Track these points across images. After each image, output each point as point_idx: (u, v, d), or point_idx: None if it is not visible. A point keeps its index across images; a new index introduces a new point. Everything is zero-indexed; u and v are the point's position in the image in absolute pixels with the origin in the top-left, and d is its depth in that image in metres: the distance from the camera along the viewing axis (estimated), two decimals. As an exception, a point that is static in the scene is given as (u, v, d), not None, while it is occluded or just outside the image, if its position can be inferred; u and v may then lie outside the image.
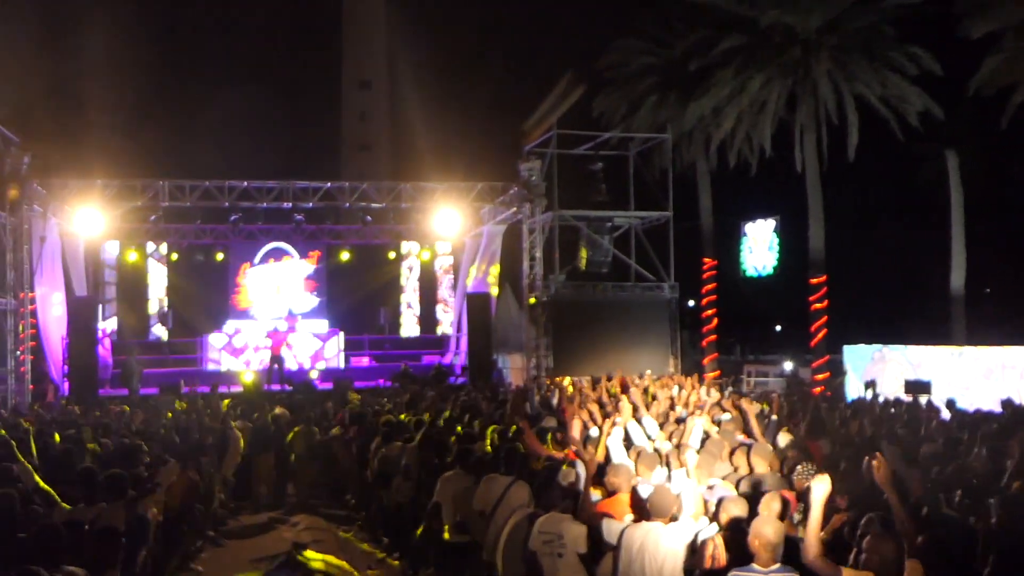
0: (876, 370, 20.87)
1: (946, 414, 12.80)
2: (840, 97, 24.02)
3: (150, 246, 28.43)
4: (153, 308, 28.76)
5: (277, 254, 28.57)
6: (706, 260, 28.25)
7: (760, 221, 27.09)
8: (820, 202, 25.08)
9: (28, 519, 6.81)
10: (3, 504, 6.78)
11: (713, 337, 28.09)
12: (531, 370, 22.96)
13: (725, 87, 24.27)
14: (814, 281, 25.01)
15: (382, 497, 11.64)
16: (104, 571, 6.00)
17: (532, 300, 23.06)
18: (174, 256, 28.57)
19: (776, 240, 26.55)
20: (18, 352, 20.48)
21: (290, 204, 23.19)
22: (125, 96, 27.60)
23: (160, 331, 28.81)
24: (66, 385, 21.97)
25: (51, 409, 17.16)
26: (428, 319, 30.79)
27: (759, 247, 26.95)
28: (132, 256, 28.15)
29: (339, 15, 46.58)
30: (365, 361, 27.90)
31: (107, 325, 26.26)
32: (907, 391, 17.06)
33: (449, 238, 28.30)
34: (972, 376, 18.44)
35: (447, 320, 30.31)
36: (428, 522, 9.53)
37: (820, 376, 24.29)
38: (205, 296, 28.11)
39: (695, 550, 6.00)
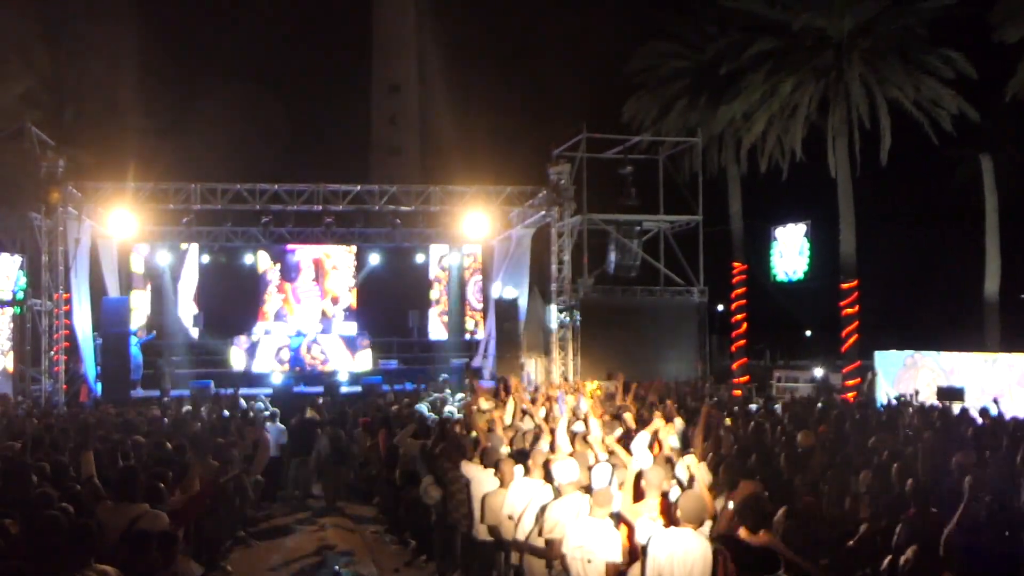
0: (908, 376, 20.68)
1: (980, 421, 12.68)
2: (873, 101, 23.81)
3: (182, 248, 28.64)
4: (184, 310, 28.97)
5: (308, 256, 28.71)
6: (736, 265, 28.09)
7: (791, 226, 26.90)
8: (852, 207, 24.87)
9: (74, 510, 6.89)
10: (41, 503, 6.86)
11: (742, 342, 27.92)
12: (559, 373, 22.91)
13: (756, 91, 24.14)
14: (845, 286, 24.80)
15: (408, 498, 11.67)
16: (138, 571, 6.04)
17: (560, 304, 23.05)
18: (205, 258, 28.77)
19: (807, 245, 26.35)
20: (52, 352, 20.73)
21: (320, 207, 23.30)
22: (158, 99, 27.86)
23: (191, 333, 29.01)
24: (99, 385, 22.19)
25: (84, 409, 17.35)
26: (456, 322, 30.80)
27: (790, 252, 26.76)
28: (164, 258, 28.38)
29: (369, 20, 46.84)
30: (393, 364, 27.96)
31: (139, 327, 26.48)
32: (939, 398, 16.91)
33: (478, 241, 28.32)
34: (1006, 383, 18.21)
35: (475, 323, 30.32)
36: (457, 523, 9.54)
37: (851, 382, 24.07)
38: (235, 298, 28.27)
39: None
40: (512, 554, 8.03)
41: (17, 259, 22.72)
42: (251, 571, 11.20)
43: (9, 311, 21.02)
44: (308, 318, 28.22)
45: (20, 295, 22.13)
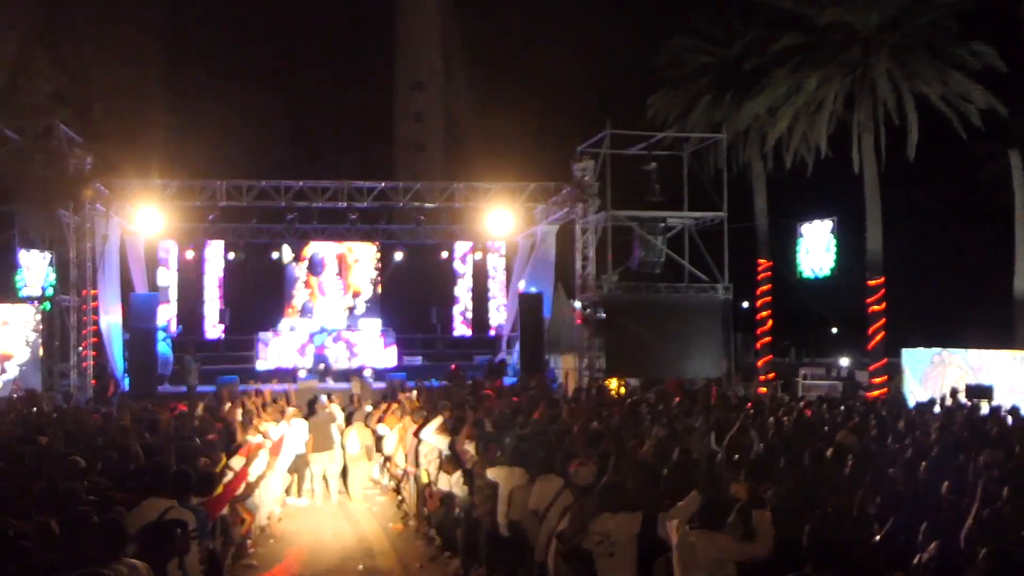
0: (935, 374, 20.50)
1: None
2: (900, 96, 23.59)
3: (207, 245, 28.85)
4: (210, 306, 29.17)
5: (333, 252, 28.83)
6: (761, 261, 27.94)
7: (816, 222, 26.69)
8: (878, 203, 24.67)
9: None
10: (71, 497, 6.95)
11: (768, 339, 27.78)
12: (583, 371, 22.91)
13: (781, 86, 23.99)
14: (872, 283, 24.61)
15: (432, 493, 11.70)
16: (166, 564, 6.10)
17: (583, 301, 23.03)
18: (231, 255, 28.95)
19: (833, 241, 26.13)
20: (80, 348, 20.94)
21: (345, 204, 23.40)
22: (184, 97, 28.04)
23: (216, 329, 29.21)
24: (126, 380, 22.39)
25: (111, 404, 17.50)
26: (480, 319, 30.84)
27: (815, 248, 26.55)
28: (190, 254, 28.60)
29: (393, 17, 46.91)
30: (417, 360, 28.04)
31: (165, 322, 26.70)
32: (968, 396, 16.76)
33: (502, 238, 28.36)
34: (1036, 381, 18.03)
35: (499, 320, 30.35)
36: (481, 519, 9.55)
37: (877, 379, 23.91)
38: (261, 294, 28.45)
39: None
40: (537, 549, 8.03)
41: (46, 256, 22.94)
42: (276, 564, 11.27)
43: (36, 306, 21.19)
44: (332, 313, 28.38)
45: (49, 291, 22.35)
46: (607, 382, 22.13)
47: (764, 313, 27.89)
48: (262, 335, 26.55)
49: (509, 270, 29.95)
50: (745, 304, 31.64)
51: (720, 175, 24.66)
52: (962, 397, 16.68)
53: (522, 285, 27.03)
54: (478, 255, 30.59)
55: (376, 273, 29.09)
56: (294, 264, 28.51)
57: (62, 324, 20.99)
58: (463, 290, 30.81)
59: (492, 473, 9.10)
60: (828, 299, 30.86)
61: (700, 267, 24.21)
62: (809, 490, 7.42)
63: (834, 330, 40.16)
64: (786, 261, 27.95)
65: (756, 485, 7.00)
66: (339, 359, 26.34)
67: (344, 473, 15.19)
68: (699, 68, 26.72)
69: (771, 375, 26.81)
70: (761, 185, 28.03)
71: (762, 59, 24.00)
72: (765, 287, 27.87)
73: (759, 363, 27.52)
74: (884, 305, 24.59)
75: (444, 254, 30.27)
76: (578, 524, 6.98)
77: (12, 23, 24.63)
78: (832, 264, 26.08)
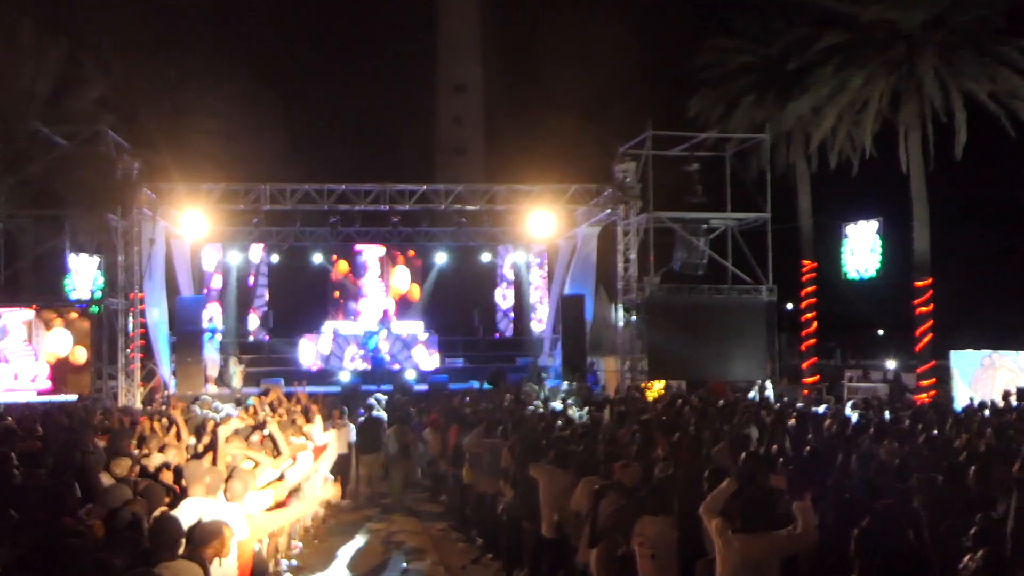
0: (985, 376, 20.15)
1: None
2: (947, 94, 23.23)
3: (251, 248, 29.18)
4: (254, 308, 29.49)
5: (375, 255, 29.01)
6: (805, 263, 27.65)
7: (862, 223, 26.34)
8: (925, 202, 24.32)
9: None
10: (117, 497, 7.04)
11: (812, 341, 27.48)
12: (625, 373, 22.81)
13: (825, 85, 23.73)
14: (919, 284, 24.26)
15: (474, 494, 11.72)
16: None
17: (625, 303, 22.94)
18: (275, 258, 29.26)
19: (879, 242, 25.78)
20: (128, 350, 21.24)
21: (387, 207, 23.51)
22: (227, 102, 28.32)
23: (260, 331, 29.52)
24: (173, 382, 22.68)
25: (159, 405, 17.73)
26: (522, 321, 30.85)
27: (861, 249, 26.20)
28: (234, 258, 28.94)
29: (434, 20, 47.11)
30: (459, 363, 28.11)
31: (211, 325, 27.01)
32: (1020, 399, 16.45)
33: (543, 240, 28.33)
34: (1088, 383, 17.64)
35: (541, 322, 30.33)
36: (523, 520, 9.55)
37: (925, 382, 23.55)
38: (304, 297, 28.72)
39: None
40: (579, 551, 8.01)
41: (95, 260, 23.30)
42: (319, 567, 11.35)
43: (80, 309, 21.51)
44: (375, 315, 28.55)
45: (98, 295, 22.71)
46: (649, 384, 22.02)
47: (809, 315, 27.60)
48: (307, 337, 26.76)
49: (551, 272, 29.92)
50: (789, 306, 31.31)
51: (763, 176, 24.43)
52: (1014, 400, 16.39)
53: (563, 286, 26.98)
54: (520, 257, 30.61)
55: (418, 276, 29.22)
56: (337, 267, 28.73)
57: (111, 327, 21.29)
58: (504, 292, 30.85)
59: (534, 471, 9.08)
60: (874, 300, 30.47)
61: (743, 268, 24.01)
62: (856, 495, 7.33)
63: (880, 332, 39.63)
64: (831, 262, 27.63)
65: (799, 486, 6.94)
66: (385, 360, 26.48)
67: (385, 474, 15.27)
68: (740, 68, 26.51)
69: (816, 377, 26.52)
70: (805, 185, 27.73)
71: (805, 58, 23.75)
72: (809, 288, 27.58)
73: (804, 365, 27.23)
74: (932, 307, 24.23)
75: (486, 256, 30.32)
76: (621, 525, 6.96)
77: (60, 30, 25.09)
78: (878, 265, 25.73)
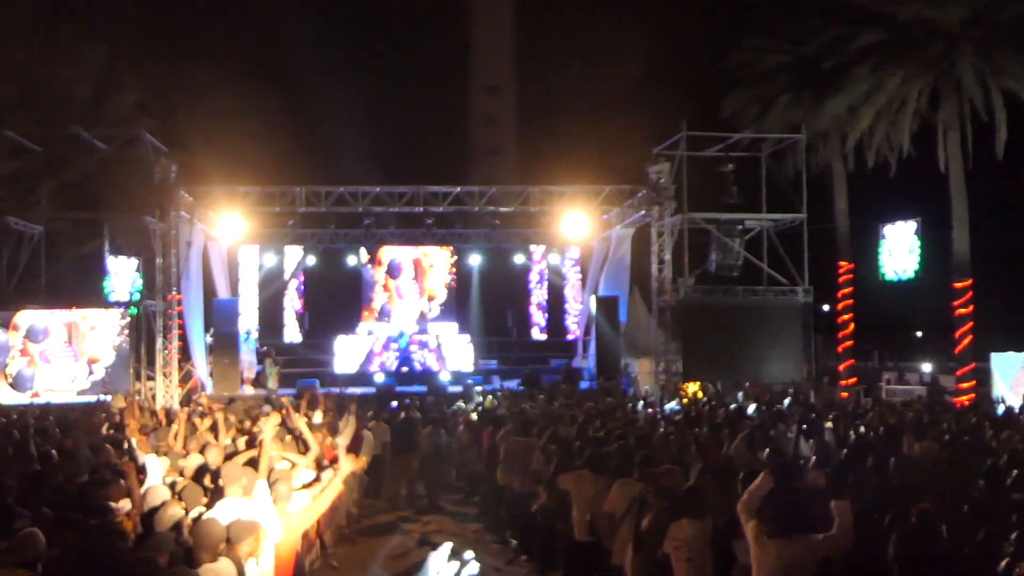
0: (1027, 378, 19.86)
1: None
2: (986, 92, 22.92)
3: (287, 250, 29.40)
4: (289, 310, 29.70)
5: (409, 256, 29.10)
6: (842, 264, 27.38)
7: (900, 223, 26.04)
8: (965, 202, 23.99)
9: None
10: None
11: (849, 343, 27.19)
12: (660, 374, 22.72)
13: (862, 85, 23.49)
14: (959, 285, 23.94)
15: (508, 496, 11.71)
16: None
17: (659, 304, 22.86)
18: (310, 259, 29.47)
19: (917, 243, 25.48)
20: (165, 351, 21.47)
21: (421, 208, 23.59)
22: (263, 105, 28.59)
23: (295, 333, 29.72)
24: (209, 383, 22.90)
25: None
26: (556, 322, 30.83)
27: (899, 250, 25.90)
28: (270, 260, 29.18)
29: (467, 22, 47.16)
30: (493, 364, 28.12)
31: (247, 326, 27.23)
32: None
33: (577, 241, 28.30)
34: None
35: (575, 324, 30.28)
36: (557, 522, 9.53)
37: (965, 384, 23.23)
38: (339, 298, 28.88)
39: None
40: (614, 553, 7.98)
41: (133, 262, 23.57)
42: (355, 567, 11.40)
43: (118, 311, 21.76)
44: (409, 316, 28.65)
45: (136, 296, 22.97)
46: (684, 386, 21.92)
47: (845, 316, 27.32)
48: (342, 339, 26.91)
49: (585, 274, 29.88)
50: (826, 307, 31.02)
51: (799, 176, 24.26)
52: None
53: (598, 287, 26.93)
54: (553, 259, 30.59)
55: (451, 277, 29.29)
56: (372, 268, 28.87)
57: (148, 328, 21.53)
58: (538, 294, 30.85)
59: (564, 482, 9.06)
60: (912, 302, 30.12)
61: (779, 270, 23.84)
62: (891, 497, 7.25)
63: (919, 334, 39.14)
64: (868, 263, 27.35)
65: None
66: (419, 362, 26.56)
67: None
68: (776, 68, 26.29)
69: (853, 379, 26.23)
70: (842, 186, 27.45)
71: (841, 57, 23.53)
72: (846, 290, 27.30)
73: (840, 367, 26.95)
74: (971, 308, 23.89)
75: (519, 258, 30.33)
76: (660, 529, 6.93)
77: (99, 36, 25.45)
78: (916, 266, 25.43)
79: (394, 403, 18.29)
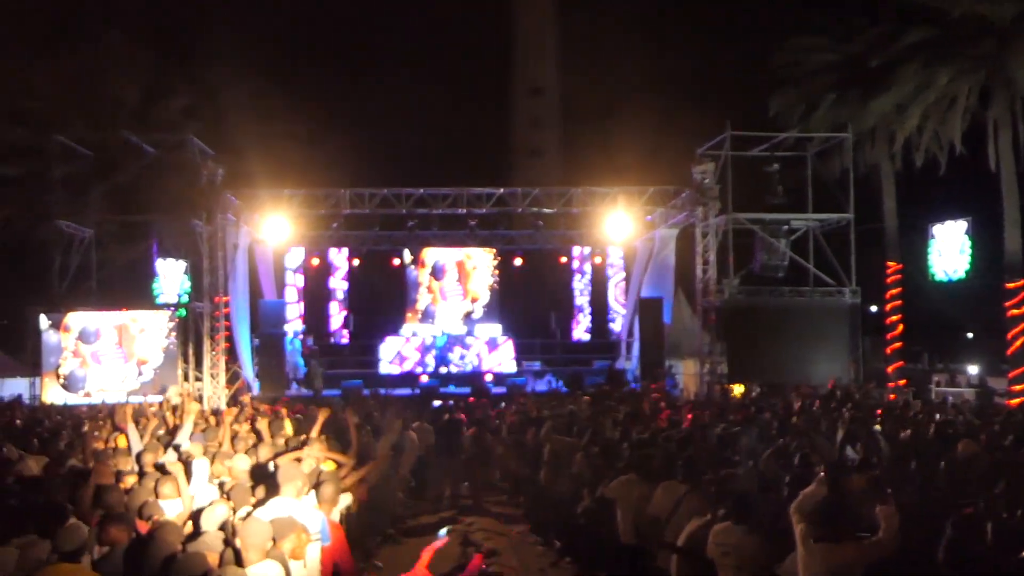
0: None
1: None
2: (1040, 89, 22.51)
3: (332, 252, 29.65)
4: (334, 312, 29.93)
5: (453, 258, 29.20)
6: (890, 264, 27.01)
7: (950, 223, 25.63)
8: (1016, 201, 23.55)
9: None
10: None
11: (898, 344, 26.82)
12: (704, 376, 22.57)
13: (910, 82, 23.16)
14: (1011, 286, 23.50)
15: (552, 497, 11.69)
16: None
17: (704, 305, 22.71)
18: (355, 261, 29.69)
19: (968, 243, 25.05)
20: (213, 353, 21.74)
21: (464, 210, 23.64)
22: (307, 108, 28.91)
23: (340, 334, 29.95)
24: (256, 384, 23.15)
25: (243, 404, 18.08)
26: (600, 324, 30.75)
27: (949, 250, 25.50)
28: (315, 261, 29.44)
29: (510, 23, 47.22)
30: (536, 366, 28.12)
31: (293, 328, 27.50)
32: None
33: (621, 242, 28.20)
34: None
35: (619, 325, 30.18)
36: (602, 525, 9.49)
37: (1017, 387, 22.79)
38: (383, 300, 29.05)
39: None
40: (659, 556, 7.94)
41: (181, 264, 23.90)
42: (400, 568, 11.43)
43: (166, 313, 22.07)
44: (453, 318, 28.74)
45: (184, 298, 23.29)
46: (729, 387, 21.77)
47: (894, 317, 26.94)
48: (386, 340, 27.07)
49: (628, 275, 29.77)
50: (874, 308, 30.60)
51: (846, 175, 23.96)
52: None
53: (641, 289, 26.82)
54: (597, 260, 30.52)
55: (494, 279, 29.33)
56: (415, 269, 29.00)
57: (196, 330, 21.82)
58: (582, 295, 30.78)
59: (609, 491, 9.03)
60: (963, 303, 29.62)
61: (826, 270, 23.56)
62: (939, 499, 7.15)
63: (969, 335, 38.48)
64: (917, 263, 26.97)
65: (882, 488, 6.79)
66: (461, 363, 26.65)
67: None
68: (821, 66, 25.99)
69: (902, 381, 25.86)
70: (890, 185, 27.08)
71: (889, 55, 23.21)
72: (895, 291, 26.93)
73: (889, 369, 26.58)
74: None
75: (563, 259, 30.30)
76: (704, 532, 6.89)
77: (147, 42, 25.86)
78: (967, 266, 25.02)
79: (435, 403, 18.40)
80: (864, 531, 5.82)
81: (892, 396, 22.91)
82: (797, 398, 17.89)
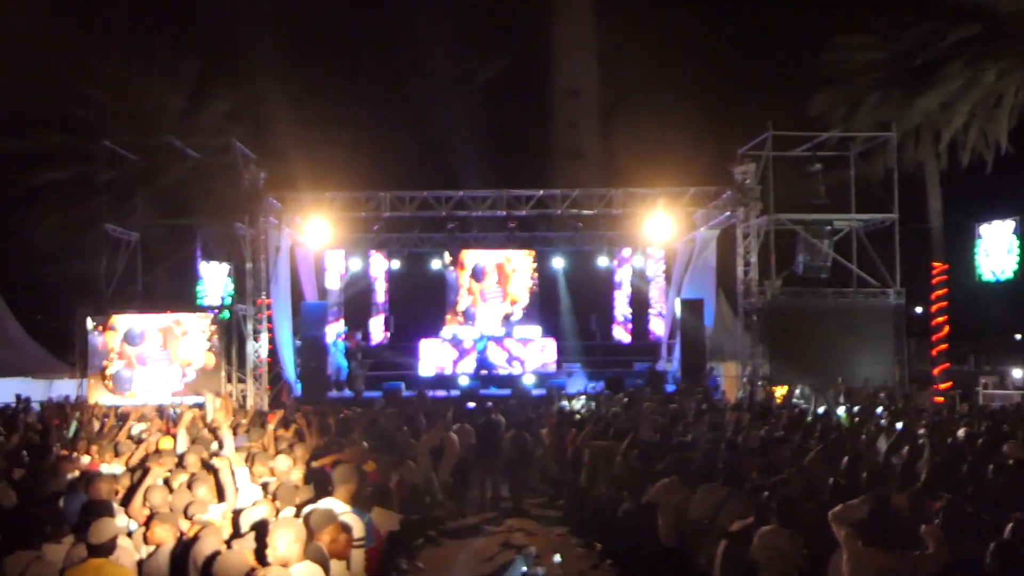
0: None
1: None
2: (1088, 86, 22.10)
3: (372, 254, 29.82)
4: (375, 314, 30.10)
5: (492, 260, 29.24)
6: (936, 264, 26.60)
7: (997, 222, 25.21)
8: (1066, 200, 23.16)
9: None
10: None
11: (944, 346, 26.37)
12: (746, 378, 22.39)
13: (956, 80, 22.86)
14: (1060, 286, 23.09)
15: (593, 499, 11.67)
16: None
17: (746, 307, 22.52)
18: (395, 264, 29.84)
19: (1016, 242, 24.62)
20: (255, 355, 21.94)
21: (504, 212, 23.66)
22: (348, 112, 29.12)
23: (381, 336, 30.10)
24: (298, 386, 23.32)
25: (285, 406, 18.25)
26: (640, 326, 30.62)
27: (996, 250, 25.07)
28: (356, 264, 29.63)
29: (548, 25, 47.15)
30: (576, 367, 28.06)
31: (333, 330, 27.67)
32: None
33: (661, 244, 28.06)
34: None
35: (659, 327, 30.03)
36: (642, 527, 9.45)
37: (1067, 389, 22.36)
38: (423, 302, 29.16)
39: None
40: (701, 558, 7.89)
41: (224, 267, 24.15)
42: (441, 569, 11.48)
43: (209, 315, 22.27)
44: (493, 320, 28.77)
45: (227, 301, 23.52)
46: (772, 389, 21.57)
47: (940, 319, 26.51)
48: (426, 342, 27.16)
49: (669, 276, 29.61)
50: (919, 309, 30.17)
51: (890, 175, 23.64)
52: None
53: (682, 290, 26.66)
54: (637, 261, 30.39)
55: (533, 281, 29.32)
56: (455, 270, 29.07)
57: (239, 332, 22.02)
58: (622, 297, 30.68)
59: (651, 496, 9.00)
60: (1011, 304, 29.11)
61: (869, 271, 23.25)
62: (987, 505, 7.02)
63: (1018, 336, 37.82)
64: (963, 264, 26.56)
65: (928, 497, 6.71)
66: (501, 365, 26.67)
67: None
68: (865, 65, 25.71)
69: (948, 384, 25.45)
70: (935, 184, 26.71)
71: (934, 53, 22.91)
72: (941, 291, 26.50)
73: (935, 371, 26.16)
74: (1075, 310, 23.05)
75: (602, 261, 30.22)
76: (749, 535, 6.85)
77: (191, 48, 26.20)
78: (1015, 266, 24.58)
79: (470, 404, 18.42)
80: (910, 547, 5.75)
81: (938, 399, 22.57)
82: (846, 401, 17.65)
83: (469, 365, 26.74)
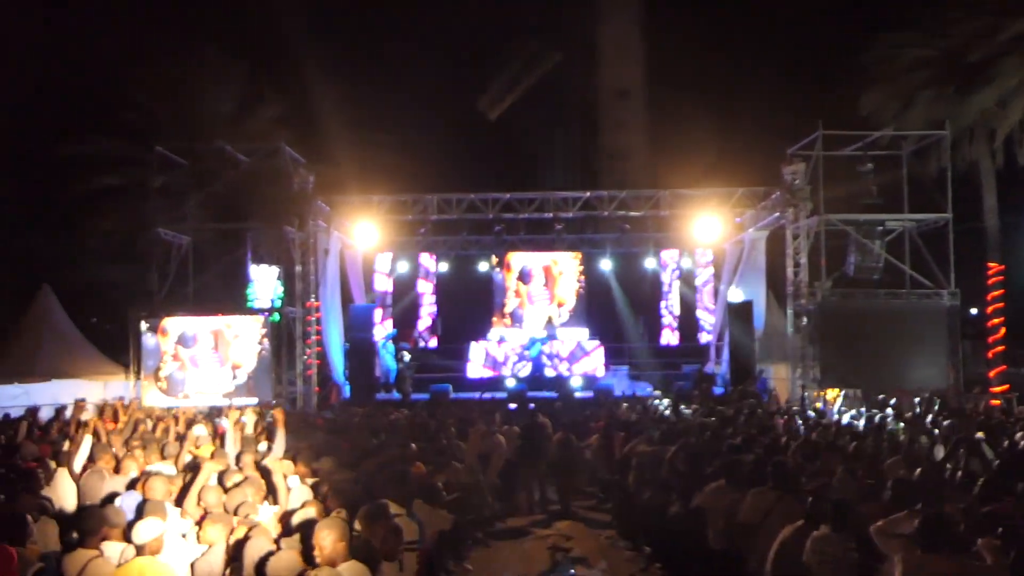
0: None
1: None
2: None
3: (420, 257, 29.98)
4: (422, 316, 30.24)
5: (540, 262, 29.24)
6: (991, 265, 26.08)
7: (1055, 221, 24.72)
8: None
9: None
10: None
11: (1000, 348, 25.84)
12: (796, 381, 22.14)
13: (1012, 77, 22.40)
14: (1121, 286, 22.52)
15: (641, 503, 11.61)
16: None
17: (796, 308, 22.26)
18: (443, 266, 29.97)
19: (1075, 242, 24.10)
20: (305, 357, 22.15)
21: (551, 214, 23.65)
22: (395, 115, 29.33)
23: (428, 338, 30.23)
24: (347, 388, 23.51)
25: (333, 410, 18.41)
26: (688, 328, 30.41)
27: (1054, 250, 24.57)
28: (404, 267, 29.80)
29: (595, 26, 47.06)
30: (624, 370, 27.95)
31: (382, 332, 27.85)
32: None
33: (709, 245, 27.85)
34: None
35: (708, 328, 29.81)
36: (691, 531, 9.39)
37: None
38: (471, 305, 29.25)
39: None
40: (750, 562, 7.83)
41: (274, 270, 24.41)
42: (489, 571, 11.50)
43: (260, 318, 22.51)
44: (540, 322, 28.78)
45: (277, 303, 23.77)
46: (822, 393, 21.31)
47: (996, 320, 25.97)
48: (474, 345, 27.24)
49: (717, 277, 29.37)
50: (974, 311, 29.61)
51: (943, 174, 23.23)
52: None
53: (731, 293, 26.43)
54: (685, 263, 30.20)
55: (580, 283, 29.28)
56: (502, 273, 29.12)
57: (289, 334, 22.24)
58: (670, 298, 30.50)
59: (699, 501, 8.94)
60: (1070, 304, 28.45)
61: (923, 272, 22.86)
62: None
63: (1077, 339, 36.97)
64: (1020, 264, 26.02)
65: (985, 506, 6.58)
66: (550, 368, 26.66)
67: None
68: (916, 62, 25.27)
69: (1005, 387, 24.93)
70: (990, 183, 26.17)
71: (989, 49, 22.48)
72: (997, 292, 25.96)
73: (991, 374, 25.65)
74: None
75: (650, 262, 30.07)
76: (801, 539, 6.78)
77: (241, 54, 26.53)
78: (1074, 266, 24.04)
79: (512, 405, 18.42)
80: (968, 556, 5.65)
81: (994, 402, 22.12)
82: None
83: (517, 367, 26.75)
